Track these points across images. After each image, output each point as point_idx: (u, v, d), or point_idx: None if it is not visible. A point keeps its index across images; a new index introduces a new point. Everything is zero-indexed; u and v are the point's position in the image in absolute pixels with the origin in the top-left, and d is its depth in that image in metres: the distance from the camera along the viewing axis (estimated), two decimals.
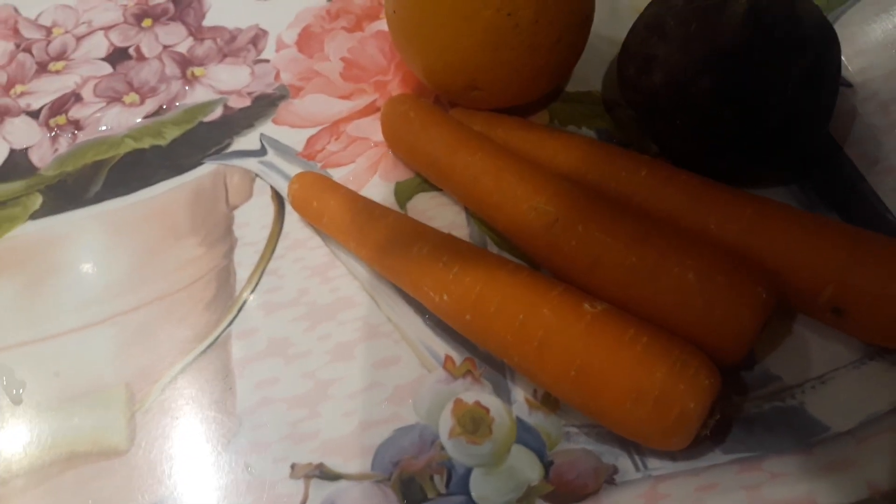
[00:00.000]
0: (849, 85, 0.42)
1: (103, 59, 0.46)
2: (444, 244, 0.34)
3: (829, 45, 0.35)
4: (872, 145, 0.40)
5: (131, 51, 0.46)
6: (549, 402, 0.33)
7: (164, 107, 0.43)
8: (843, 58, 0.42)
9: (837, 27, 0.43)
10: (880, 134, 0.40)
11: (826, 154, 0.39)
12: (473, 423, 0.33)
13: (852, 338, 0.33)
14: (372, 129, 0.42)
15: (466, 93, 0.38)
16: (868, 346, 0.33)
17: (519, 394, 0.33)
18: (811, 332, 0.34)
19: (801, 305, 0.33)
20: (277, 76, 0.44)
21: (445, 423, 0.33)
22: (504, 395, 0.33)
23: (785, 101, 0.33)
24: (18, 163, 0.42)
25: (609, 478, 0.31)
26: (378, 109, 0.42)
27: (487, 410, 0.33)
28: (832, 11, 0.43)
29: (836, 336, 0.34)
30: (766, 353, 0.34)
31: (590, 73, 0.43)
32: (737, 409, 0.32)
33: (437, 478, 0.31)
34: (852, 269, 0.31)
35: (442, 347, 0.35)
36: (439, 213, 0.39)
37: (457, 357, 0.34)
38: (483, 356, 0.34)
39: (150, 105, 0.44)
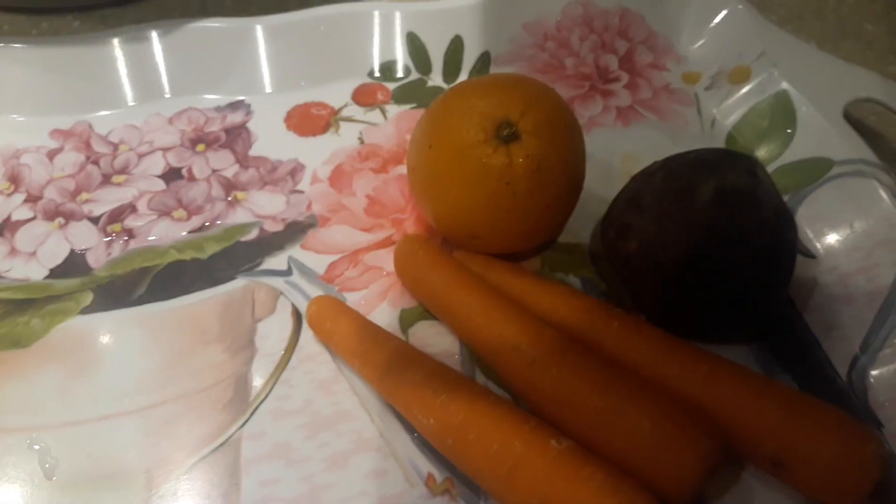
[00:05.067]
0: (812, 256, 0.46)
1: (159, 177, 0.52)
2: (435, 372, 0.39)
3: (785, 229, 0.39)
4: (830, 313, 0.44)
5: (184, 171, 0.52)
6: None
7: (207, 224, 0.49)
8: (808, 231, 0.47)
9: (806, 204, 0.48)
10: (838, 303, 0.44)
11: (787, 318, 0.44)
12: None
13: (797, 492, 0.37)
14: (386, 260, 0.47)
15: (468, 240, 0.43)
16: (810, 500, 0.37)
17: None
18: (758, 482, 0.38)
19: (749, 457, 0.37)
20: (309, 206, 0.50)
21: None
22: None
23: (742, 275, 0.38)
24: (76, 262, 0.47)
25: None
26: (393, 243, 0.47)
27: None
28: (801, 190, 0.48)
29: (781, 488, 0.37)
30: (715, 497, 0.37)
31: (580, 228, 0.48)
32: None
33: None
34: (790, 428, 0.35)
35: (426, 465, 0.39)
36: (437, 341, 0.44)
37: (438, 475, 0.38)
38: (461, 477, 0.38)
39: (196, 221, 0.49)
